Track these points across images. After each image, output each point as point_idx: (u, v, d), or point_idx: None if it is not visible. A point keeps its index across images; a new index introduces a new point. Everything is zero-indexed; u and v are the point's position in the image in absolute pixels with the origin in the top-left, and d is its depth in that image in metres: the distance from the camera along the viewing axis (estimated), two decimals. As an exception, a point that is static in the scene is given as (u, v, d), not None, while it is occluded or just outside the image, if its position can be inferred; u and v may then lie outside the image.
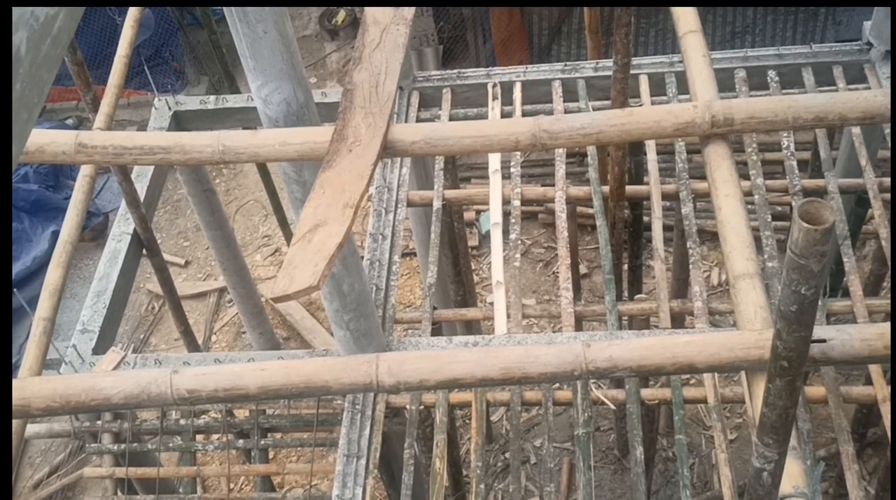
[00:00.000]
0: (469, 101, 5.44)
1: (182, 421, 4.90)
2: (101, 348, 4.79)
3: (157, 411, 4.95)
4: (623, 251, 5.43)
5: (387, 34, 3.12)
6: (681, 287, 5.40)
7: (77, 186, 4.53)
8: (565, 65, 5.43)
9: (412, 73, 5.50)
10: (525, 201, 4.85)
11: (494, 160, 4.92)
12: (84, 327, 4.86)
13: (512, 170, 4.96)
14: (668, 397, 4.13)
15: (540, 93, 5.35)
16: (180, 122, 5.91)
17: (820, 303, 3.77)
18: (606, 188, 4.85)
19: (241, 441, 5.13)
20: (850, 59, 5.14)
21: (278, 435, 6.48)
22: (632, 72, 4.54)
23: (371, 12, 3.20)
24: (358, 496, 3.82)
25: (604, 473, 6.81)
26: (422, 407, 4.19)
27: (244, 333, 8.23)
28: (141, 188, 5.40)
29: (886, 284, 5.73)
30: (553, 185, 4.87)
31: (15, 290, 8.09)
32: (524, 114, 5.17)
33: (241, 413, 5.86)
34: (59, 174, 9.60)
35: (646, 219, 5.45)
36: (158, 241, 5.72)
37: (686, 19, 3.18)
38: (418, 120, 5.33)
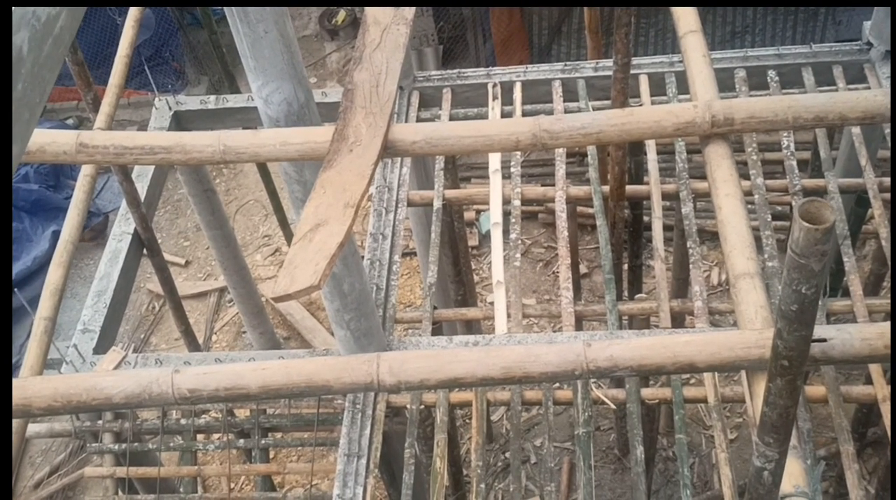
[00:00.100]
0: (469, 101, 5.44)
1: (183, 421, 4.90)
2: (101, 347, 4.80)
3: (158, 410, 4.95)
4: (623, 251, 5.43)
5: (387, 34, 3.12)
6: (681, 287, 5.40)
7: (78, 185, 4.54)
8: (565, 65, 5.43)
9: (412, 73, 5.50)
10: (525, 201, 4.85)
11: (494, 160, 4.92)
12: (85, 326, 4.86)
13: (512, 170, 4.96)
14: (668, 397, 4.14)
15: (540, 93, 5.34)
16: (181, 122, 5.92)
17: (820, 302, 3.77)
18: (606, 188, 4.85)
19: (241, 441, 5.14)
20: (850, 59, 5.14)
21: (279, 435, 6.48)
22: (632, 72, 4.54)
23: (371, 12, 3.20)
24: (358, 496, 3.83)
25: (604, 472, 6.81)
26: (422, 407, 4.19)
27: (244, 332, 8.23)
28: (141, 188, 5.41)
29: (886, 283, 5.73)
30: (553, 184, 4.87)
31: (16, 290, 8.10)
32: (524, 114, 5.17)
33: (242, 413, 5.87)
34: (59, 174, 9.60)
35: (646, 219, 5.45)
36: (159, 240, 5.73)
37: (686, 19, 3.18)
38: (418, 120, 5.33)
